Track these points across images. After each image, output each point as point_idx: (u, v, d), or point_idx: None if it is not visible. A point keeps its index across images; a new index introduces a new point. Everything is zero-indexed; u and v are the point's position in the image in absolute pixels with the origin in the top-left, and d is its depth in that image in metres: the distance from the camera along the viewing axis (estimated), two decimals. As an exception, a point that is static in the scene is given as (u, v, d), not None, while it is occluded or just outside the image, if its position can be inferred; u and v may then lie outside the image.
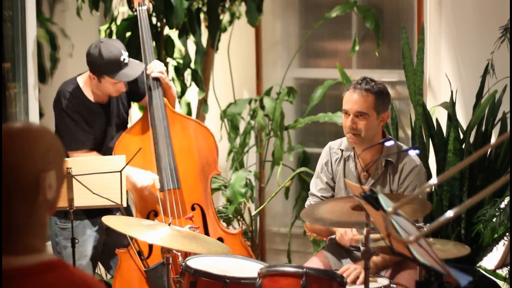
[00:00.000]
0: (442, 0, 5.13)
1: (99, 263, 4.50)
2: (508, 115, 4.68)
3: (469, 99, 4.83)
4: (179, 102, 5.67)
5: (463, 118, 4.86)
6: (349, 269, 3.59)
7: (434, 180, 3.16)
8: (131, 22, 5.28)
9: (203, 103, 5.65)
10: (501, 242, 3.78)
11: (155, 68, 4.42)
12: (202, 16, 5.60)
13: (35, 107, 5.16)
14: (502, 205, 4.23)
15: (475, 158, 4.24)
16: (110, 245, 4.34)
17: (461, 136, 4.68)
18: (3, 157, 1.73)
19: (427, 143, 4.72)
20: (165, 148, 4.36)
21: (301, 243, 5.71)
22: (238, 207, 5.19)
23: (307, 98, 5.65)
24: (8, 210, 1.74)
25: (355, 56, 5.60)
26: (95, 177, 3.87)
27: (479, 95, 4.70)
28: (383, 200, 2.66)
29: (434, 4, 5.16)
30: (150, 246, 4.27)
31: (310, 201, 3.95)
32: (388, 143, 3.74)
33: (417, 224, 3.43)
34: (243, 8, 5.73)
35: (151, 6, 4.71)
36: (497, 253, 3.67)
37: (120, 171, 3.88)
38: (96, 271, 4.57)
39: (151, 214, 4.32)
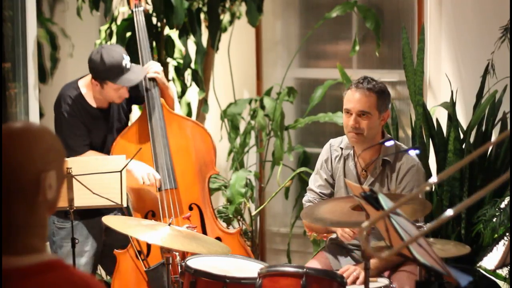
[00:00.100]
0: (442, 0, 5.13)
1: (99, 265, 4.50)
2: (508, 115, 4.68)
3: (469, 99, 4.83)
4: (179, 102, 5.67)
5: (463, 118, 4.86)
6: (349, 269, 3.59)
7: (433, 179, 3.15)
8: (132, 22, 5.27)
9: (203, 103, 5.65)
10: (501, 242, 3.78)
11: (151, 68, 4.42)
12: (202, 16, 5.60)
13: (35, 107, 5.16)
14: (502, 205, 4.23)
15: (476, 156, 4.24)
16: (109, 245, 4.34)
17: (461, 136, 4.68)
18: (3, 157, 1.73)
19: (427, 143, 4.72)
20: (162, 148, 4.36)
21: (301, 243, 5.71)
22: (238, 207, 5.19)
23: (307, 98, 5.65)
24: (8, 210, 1.74)
25: (355, 56, 5.60)
26: (95, 177, 3.87)
27: (479, 95, 4.70)
28: (383, 200, 2.66)
29: (434, 4, 5.16)
30: (149, 246, 4.28)
31: (308, 197, 3.95)
32: (388, 143, 3.74)
33: (417, 224, 3.44)
34: (243, 8, 5.72)
35: (148, 7, 4.71)
36: (497, 253, 3.67)
37: (120, 171, 3.89)
38: (96, 271, 4.57)
39: (149, 214, 4.33)
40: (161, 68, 4.51)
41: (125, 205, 3.99)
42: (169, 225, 3.55)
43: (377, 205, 2.66)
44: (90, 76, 4.29)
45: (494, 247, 3.83)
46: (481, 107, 4.66)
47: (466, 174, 4.59)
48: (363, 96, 3.75)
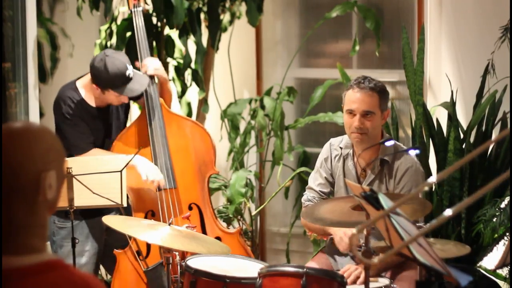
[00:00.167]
0: (442, 0, 5.13)
1: (100, 265, 4.50)
2: (509, 115, 4.68)
3: (469, 99, 4.83)
4: (180, 102, 5.68)
5: (464, 118, 4.86)
6: (350, 269, 3.59)
7: (432, 178, 3.15)
8: (131, 22, 5.28)
9: (203, 103, 5.65)
10: (501, 242, 3.78)
11: (150, 65, 4.41)
12: (202, 16, 5.60)
13: (35, 107, 5.16)
14: (502, 205, 4.23)
15: (476, 155, 4.24)
16: (110, 245, 4.34)
17: (462, 136, 4.68)
18: (3, 157, 1.73)
19: (427, 143, 4.72)
20: (161, 148, 4.36)
21: (301, 243, 5.71)
22: (238, 207, 5.19)
23: (307, 98, 5.64)
24: (8, 210, 1.73)
25: (355, 56, 5.60)
26: (95, 177, 3.87)
27: (480, 95, 4.70)
28: (383, 200, 2.66)
29: (435, 4, 5.16)
30: (148, 246, 4.28)
31: (308, 195, 3.95)
32: (388, 143, 3.74)
33: (417, 224, 3.43)
34: (243, 8, 5.72)
35: (147, 7, 4.70)
36: (497, 253, 3.67)
37: (120, 171, 3.89)
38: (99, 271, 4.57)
39: (148, 214, 4.33)
40: (159, 62, 4.50)
41: (125, 205, 3.99)
42: (169, 225, 3.55)
43: (377, 205, 2.66)
44: (88, 76, 4.27)
45: (494, 247, 3.83)
46: (481, 107, 4.66)
47: (466, 174, 4.59)
48: (367, 96, 3.74)
